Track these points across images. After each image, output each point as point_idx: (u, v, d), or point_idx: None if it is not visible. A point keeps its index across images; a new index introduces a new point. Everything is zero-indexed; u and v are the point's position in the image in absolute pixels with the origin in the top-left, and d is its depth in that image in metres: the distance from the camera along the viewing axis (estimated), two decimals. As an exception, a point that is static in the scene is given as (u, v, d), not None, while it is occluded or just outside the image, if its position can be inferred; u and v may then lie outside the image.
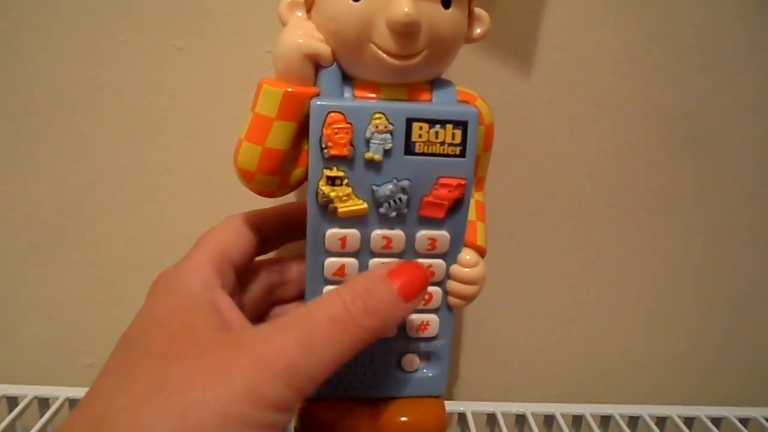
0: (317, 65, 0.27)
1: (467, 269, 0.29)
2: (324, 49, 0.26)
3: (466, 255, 0.29)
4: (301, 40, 0.26)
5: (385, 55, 0.26)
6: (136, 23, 0.36)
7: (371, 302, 0.24)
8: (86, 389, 0.38)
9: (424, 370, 0.31)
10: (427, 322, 0.30)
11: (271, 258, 0.33)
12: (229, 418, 0.21)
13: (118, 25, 0.36)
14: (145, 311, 0.26)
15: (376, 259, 0.28)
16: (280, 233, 0.32)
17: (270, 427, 0.22)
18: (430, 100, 0.28)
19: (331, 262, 0.28)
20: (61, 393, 0.39)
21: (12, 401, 0.39)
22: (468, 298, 0.30)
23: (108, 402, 0.22)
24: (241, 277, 0.30)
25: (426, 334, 0.30)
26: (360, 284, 0.25)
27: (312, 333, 0.23)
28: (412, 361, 0.31)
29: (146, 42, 0.36)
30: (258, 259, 0.32)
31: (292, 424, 0.31)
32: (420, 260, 0.29)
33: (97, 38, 0.36)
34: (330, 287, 0.28)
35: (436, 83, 0.28)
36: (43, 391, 0.39)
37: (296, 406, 0.23)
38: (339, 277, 0.28)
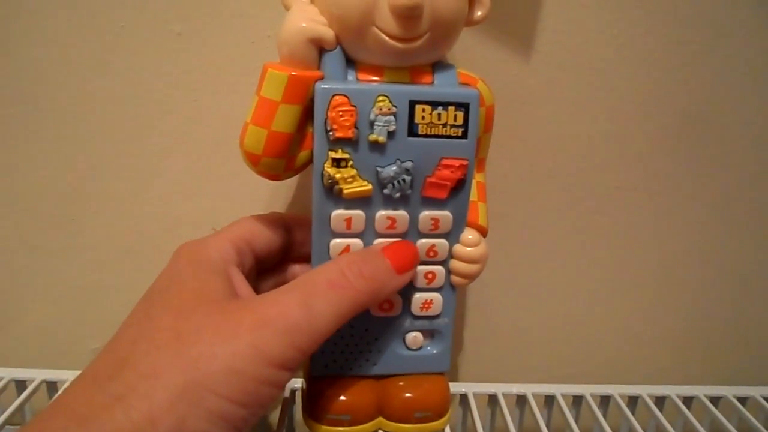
0: (321, 49, 0.27)
1: (469, 248, 0.30)
2: (327, 33, 0.26)
3: (468, 234, 0.30)
4: (304, 24, 0.26)
5: (388, 39, 0.26)
6: (136, 9, 0.36)
7: (366, 268, 0.26)
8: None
9: (428, 348, 0.32)
10: (431, 300, 0.31)
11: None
12: (234, 371, 0.23)
13: (118, 11, 0.36)
14: (166, 272, 0.28)
15: (381, 240, 0.29)
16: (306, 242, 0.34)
17: (272, 383, 0.24)
18: (432, 82, 0.28)
19: (336, 242, 0.29)
20: (69, 376, 0.39)
21: (21, 384, 0.39)
22: (470, 277, 0.30)
23: (131, 348, 0.24)
24: (266, 267, 0.32)
25: (430, 312, 0.31)
26: (357, 254, 0.28)
27: (311, 295, 0.25)
28: (416, 339, 0.31)
29: (146, 27, 0.36)
30: None
31: (300, 405, 0.32)
32: (423, 240, 0.30)
33: (96, 24, 0.36)
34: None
35: (438, 66, 0.29)
36: (51, 374, 0.39)
37: (299, 364, 0.25)
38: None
